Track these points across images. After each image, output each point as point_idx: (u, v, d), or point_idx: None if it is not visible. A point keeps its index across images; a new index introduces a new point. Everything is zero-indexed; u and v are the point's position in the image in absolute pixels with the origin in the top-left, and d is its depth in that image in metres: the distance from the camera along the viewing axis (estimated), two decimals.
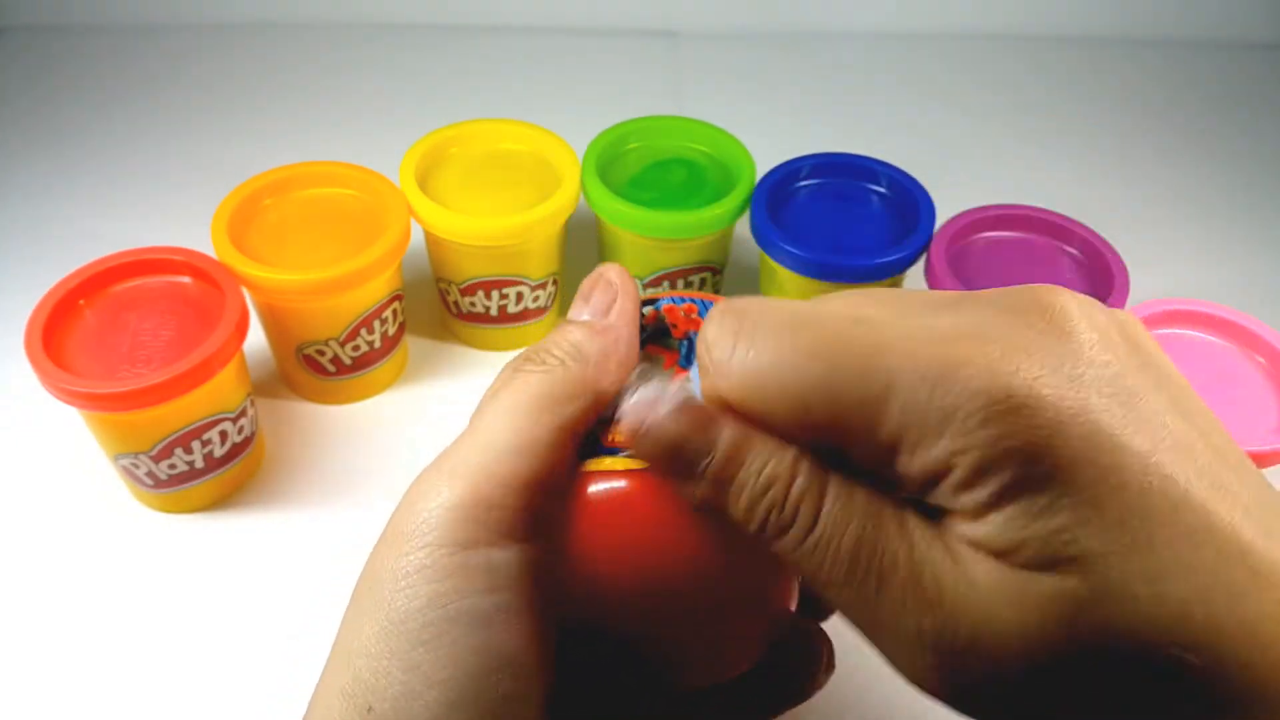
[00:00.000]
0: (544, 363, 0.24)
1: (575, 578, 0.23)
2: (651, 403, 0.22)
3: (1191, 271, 0.57)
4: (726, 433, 0.21)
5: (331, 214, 0.46)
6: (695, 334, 0.26)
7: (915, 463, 0.19)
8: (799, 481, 0.20)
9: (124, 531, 0.43)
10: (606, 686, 0.25)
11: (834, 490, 0.20)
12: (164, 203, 0.59)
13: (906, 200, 0.47)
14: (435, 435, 0.26)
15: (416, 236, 0.47)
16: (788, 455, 0.20)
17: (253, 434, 0.44)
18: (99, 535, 0.42)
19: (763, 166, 0.49)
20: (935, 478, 0.19)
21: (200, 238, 0.43)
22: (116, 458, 0.41)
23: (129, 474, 0.41)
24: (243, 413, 0.42)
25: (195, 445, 0.41)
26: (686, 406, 0.21)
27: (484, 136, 0.50)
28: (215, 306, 0.41)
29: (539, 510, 0.22)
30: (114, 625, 0.40)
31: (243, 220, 0.44)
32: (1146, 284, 0.48)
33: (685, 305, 0.26)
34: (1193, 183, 0.64)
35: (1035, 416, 0.17)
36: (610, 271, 0.26)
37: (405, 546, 0.21)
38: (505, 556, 0.22)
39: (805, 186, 0.49)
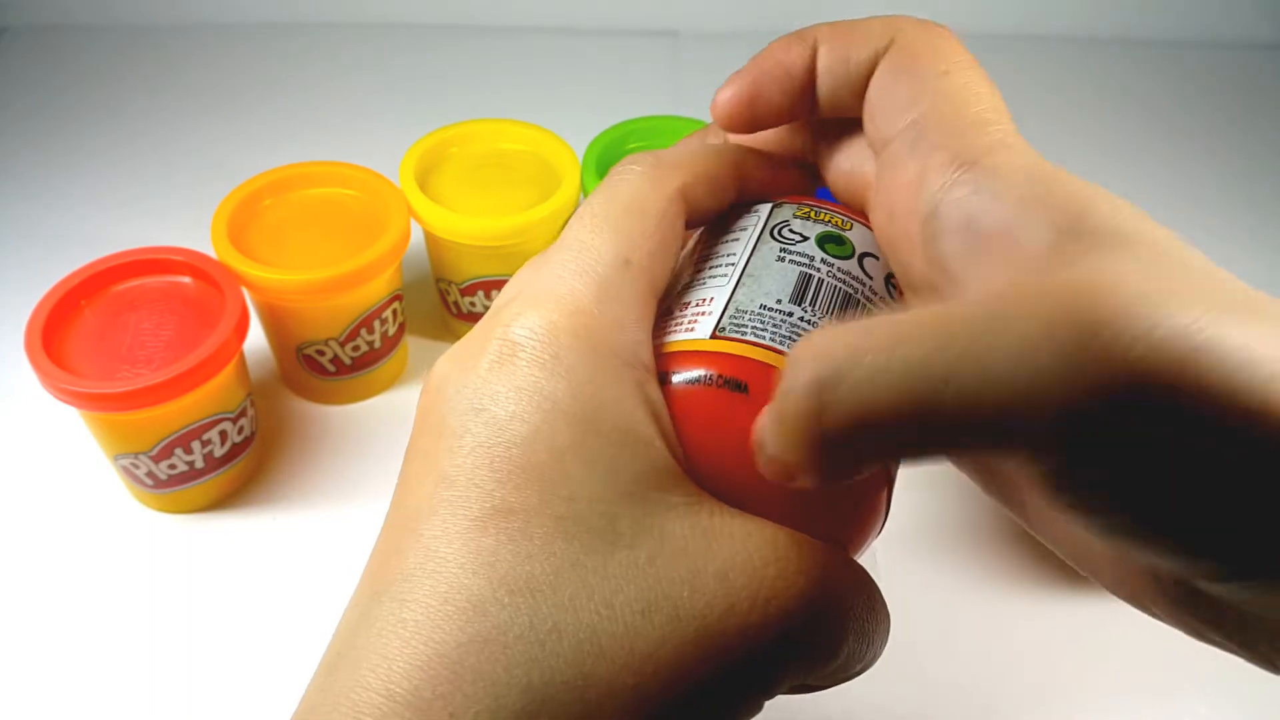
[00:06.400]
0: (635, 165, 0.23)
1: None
2: None
3: None
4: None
5: (331, 214, 0.46)
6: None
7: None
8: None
9: (124, 531, 0.43)
10: None
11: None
12: (164, 203, 0.59)
13: None
14: None
15: (416, 236, 0.47)
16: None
17: (253, 434, 0.44)
18: (99, 535, 0.43)
19: None
20: None
21: (200, 238, 0.43)
22: (116, 458, 0.41)
23: (129, 474, 0.41)
24: (243, 413, 0.42)
25: (195, 445, 0.41)
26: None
27: (484, 136, 0.50)
28: (215, 307, 0.41)
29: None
30: (114, 625, 0.40)
31: (243, 220, 0.44)
32: None
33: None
34: (1192, 183, 0.64)
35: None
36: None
37: None
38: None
39: None
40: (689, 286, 0.24)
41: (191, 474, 0.42)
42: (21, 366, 0.38)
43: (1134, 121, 0.69)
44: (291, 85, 0.68)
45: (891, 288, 0.25)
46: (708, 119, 0.52)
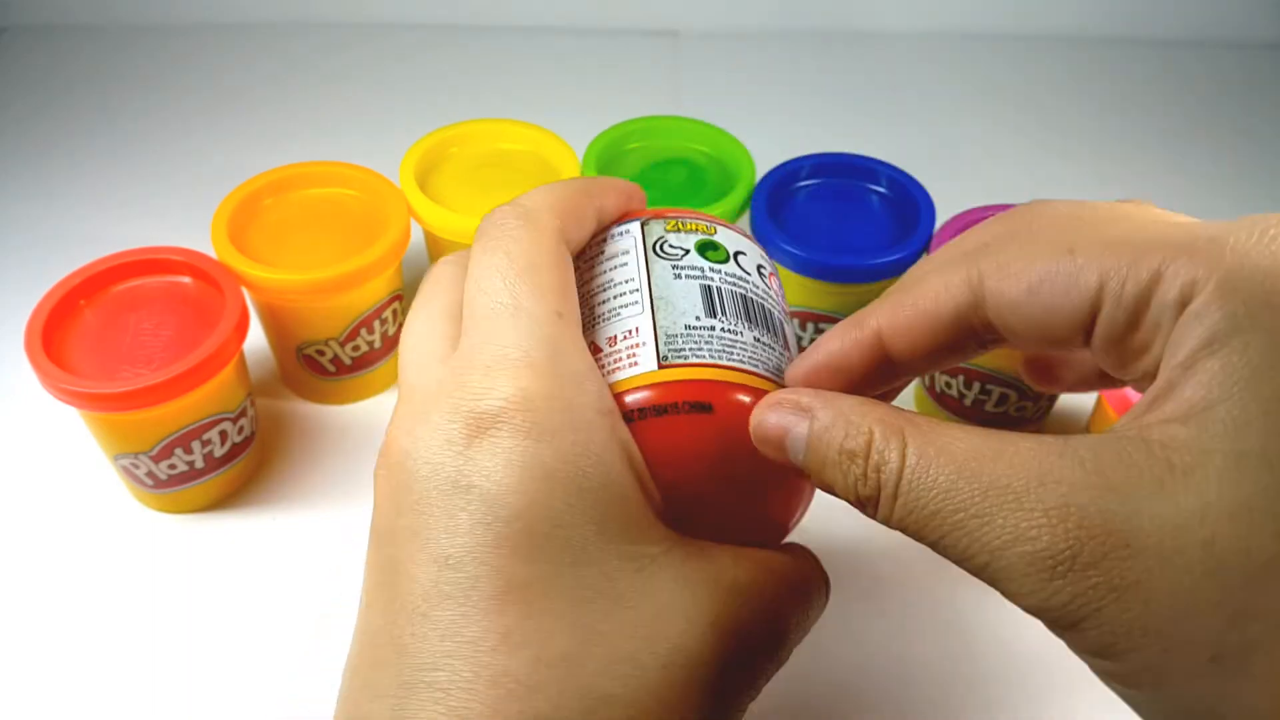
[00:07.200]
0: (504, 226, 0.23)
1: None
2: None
3: None
4: (817, 416, 0.20)
5: (331, 214, 0.46)
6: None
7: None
8: (875, 450, 0.19)
9: (124, 531, 0.43)
10: None
11: (915, 449, 0.19)
12: (164, 203, 0.59)
13: (906, 200, 0.47)
14: None
15: (416, 236, 0.47)
16: (863, 425, 0.20)
17: (253, 434, 0.44)
18: (99, 535, 0.43)
19: (763, 166, 0.49)
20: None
21: (200, 238, 0.43)
22: (116, 458, 0.41)
23: (129, 474, 0.41)
24: (243, 413, 0.42)
25: (195, 445, 0.41)
26: (782, 399, 0.21)
27: (484, 136, 0.50)
28: (215, 306, 0.41)
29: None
30: (114, 625, 0.40)
31: (243, 220, 0.44)
32: None
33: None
34: (1192, 183, 0.64)
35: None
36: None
37: None
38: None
39: (805, 186, 0.49)
40: (603, 320, 0.24)
41: (191, 474, 0.42)
42: (21, 366, 0.38)
43: (1134, 121, 0.69)
44: (291, 85, 0.68)
45: (763, 277, 0.26)
46: (707, 119, 0.52)
